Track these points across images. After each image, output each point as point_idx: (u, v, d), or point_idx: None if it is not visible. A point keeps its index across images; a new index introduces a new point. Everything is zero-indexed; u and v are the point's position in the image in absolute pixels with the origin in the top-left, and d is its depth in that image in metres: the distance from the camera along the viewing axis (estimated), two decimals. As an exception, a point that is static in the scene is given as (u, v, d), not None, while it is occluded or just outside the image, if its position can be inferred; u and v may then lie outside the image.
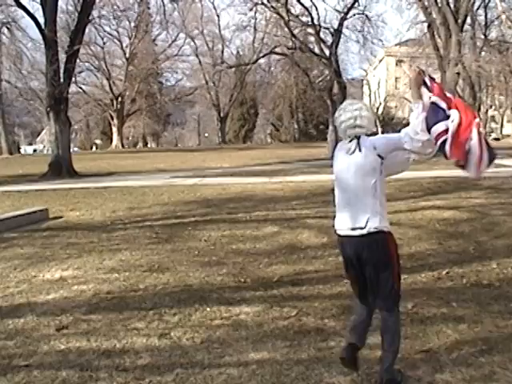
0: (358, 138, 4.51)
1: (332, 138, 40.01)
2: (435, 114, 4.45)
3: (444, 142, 4.37)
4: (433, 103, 4.50)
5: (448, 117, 4.41)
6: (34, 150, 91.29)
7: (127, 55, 68.65)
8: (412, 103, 4.61)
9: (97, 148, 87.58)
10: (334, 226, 4.68)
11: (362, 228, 4.42)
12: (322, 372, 4.65)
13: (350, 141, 4.53)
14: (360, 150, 4.46)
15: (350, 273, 4.67)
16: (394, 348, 4.47)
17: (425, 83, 4.62)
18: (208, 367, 4.82)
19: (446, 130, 4.37)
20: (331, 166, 4.74)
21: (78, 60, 34.27)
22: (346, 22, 41.86)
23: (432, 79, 4.70)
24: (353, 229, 4.45)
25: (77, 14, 31.92)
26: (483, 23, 47.20)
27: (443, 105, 4.50)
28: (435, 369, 4.65)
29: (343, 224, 4.54)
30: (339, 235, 4.61)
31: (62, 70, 28.76)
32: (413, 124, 4.46)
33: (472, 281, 7.22)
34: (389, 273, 4.56)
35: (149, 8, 67.90)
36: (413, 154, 4.64)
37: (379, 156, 4.45)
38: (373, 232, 4.43)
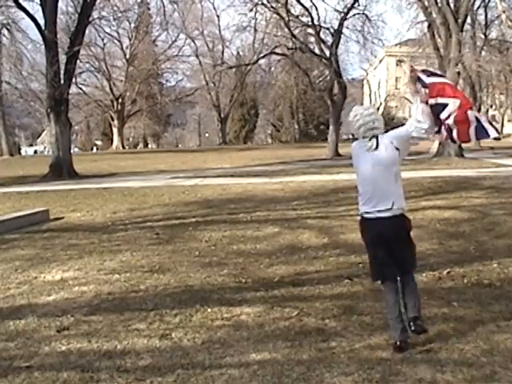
0: (376, 137, 5.39)
1: (333, 139, 40.09)
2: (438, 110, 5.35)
3: (449, 130, 5.40)
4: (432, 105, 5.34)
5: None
6: (35, 152, 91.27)
7: (127, 56, 68.66)
8: (411, 97, 5.49)
9: (97, 149, 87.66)
10: (359, 212, 5.49)
11: (389, 209, 5.28)
12: (323, 372, 4.64)
13: (370, 139, 5.38)
14: (378, 147, 5.34)
15: (379, 252, 5.40)
16: (419, 300, 5.45)
17: (419, 79, 5.50)
18: (209, 368, 4.81)
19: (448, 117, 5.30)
20: (351, 165, 5.66)
21: (78, 61, 34.24)
22: (346, 22, 41.83)
23: (429, 73, 5.58)
24: (380, 211, 5.29)
25: (77, 15, 31.91)
26: (483, 23, 47.07)
27: (442, 100, 5.35)
28: (436, 368, 4.65)
29: (372, 208, 5.33)
30: (368, 218, 5.39)
31: (62, 71, 28.78)
32: (414, 115, 5.49)
33: (473, 281, 7.22)
34: (410, 243, 5.49)
35: (149, 9, 68.03)
36: (416, 139, 5.60)
37: (396, 148, 5.38)
38: (398, 213, 5.36)
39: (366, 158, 5.40)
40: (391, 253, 5.34)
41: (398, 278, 5.36)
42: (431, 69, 5.64)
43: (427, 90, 5.43)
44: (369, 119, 5.41)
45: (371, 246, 5.51)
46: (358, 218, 5.64)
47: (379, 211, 5.29)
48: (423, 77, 5.52)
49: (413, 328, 5.16)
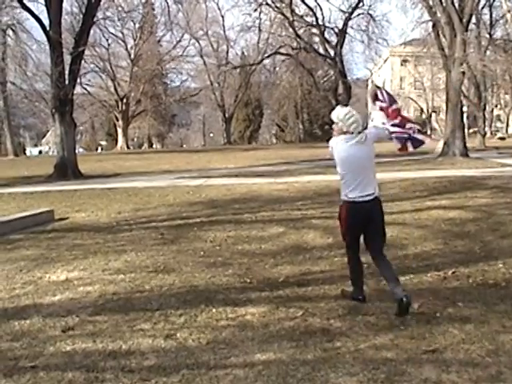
0: (362, 132, 6.36)
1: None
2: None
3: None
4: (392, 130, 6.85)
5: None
6: (40, 152, 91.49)
7: (132, 56, 68.72)
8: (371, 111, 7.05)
9: (102, 149, 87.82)
10: (346, 198, 6.36)
11: (372, 194, 6.32)
12: (328, 372, 4.64)
13: (358, 134, 6.29)
14: (366, 140, 6.33)
15: (356, 232, 6.48)
16: (396, 275, 6.41)
17: (376, 96, 6.98)
18: (214, 368, 4.81)
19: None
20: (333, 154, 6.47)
21: (82, 61, 34.35)
22: (350, 22, 42.00)
23: (387, 96, 7.00)
24: (368, 195, 6.29)
25: (81, 16, 31.90)
26: (488, 22, 47.02)
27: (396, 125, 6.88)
28: (441, 369, 4.64)
29: (360, 193, 6.28)
30: (355, 202, 6.30)
31: (66, 72, 28.81)
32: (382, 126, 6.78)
33: (478, 281, 7.21)
34: (383, 225, 6.48)
35: (153, 9, 68.06)
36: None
37: (373, 143, 6.51)
38: (377, 196, 6.41)
39: (355, 150, 6.29)
40: (367, 230, 6.44)
41: (372, 256, 6.58)
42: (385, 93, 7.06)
43: (383, 105, 6.91)
44: (357, 117, 6.34)
45: (353, 226, 6.46)
46: (342, 203, 6.48)
47: (367, 195, 6.29)
48: (381, 97, 6.97)
49: (405, 300, 5.95)
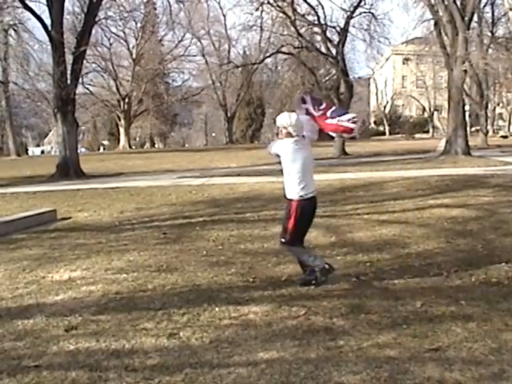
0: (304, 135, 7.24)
1: (338, 138, 40.01)
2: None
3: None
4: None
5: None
6: (42, 152, 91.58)
7: (134, 56, 68.76)
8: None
9: (104, 149, 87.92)
10: (302, 195, 7.04)
11: (315, 191, 7.26)
12: (331, 371, 4.64)
13: (303, 137, 7.15)
14: (307, 142, 7.30)
15: (306, 226, 7.34)
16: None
17: (303, 101, 7.58)
18: (217, 367, 4.81)
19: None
20: (281, 155, 7.11)
21: (84, 61, 34.32)
22: (352, 21, 41.78)
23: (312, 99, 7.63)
24: (313, 192, 7.18)
25: (83, 16, 31.92)
26: (490, 20, 47.00)
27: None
28: (444, 367, 4.64)
29: (310, 190, 7.12)
30: (309, 199, 7.11)
31: (68, 72, 28.85)
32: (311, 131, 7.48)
33: (481, 279, 7.21)
34: None
35: (155, 9, 68.08)
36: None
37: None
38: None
39: (304, 151, 7.12)
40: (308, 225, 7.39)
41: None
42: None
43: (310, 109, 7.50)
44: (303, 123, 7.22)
45: (304, 220, 7.20)
46: (295, 201, 7.04)
47: (313, 191, 7.18)
48: (309, 104, 7.53)
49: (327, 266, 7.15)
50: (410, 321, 5.71)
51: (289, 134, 7.05)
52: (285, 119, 7.09)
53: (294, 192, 7.07)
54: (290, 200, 7.13)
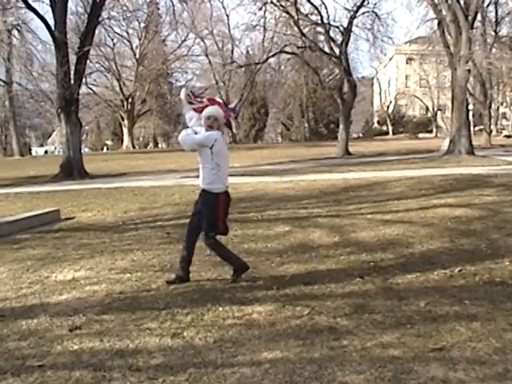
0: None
1: (343, 137, 40.07)
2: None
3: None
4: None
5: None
6: (45, 152, 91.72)
7: (137, 56, 68.85)
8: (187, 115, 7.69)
9: (107, 149, 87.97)
10: (221, 188, 7.15)
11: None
12: (335, 371, 4.63)
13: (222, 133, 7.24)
14: None
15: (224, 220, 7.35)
16: None
17: (190, 97, 7.67)
18: (221, 367, 4.81)
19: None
20: (211, 147, 7.02)
21: (88, 61, 34.38)
22: (355, 21, 41.76)
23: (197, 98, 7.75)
24: (228, 186, 7.32)
25: (86, 16, 31.97)
26: (494, 20, 46.92)
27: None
28: (448, 367, 4.63)
29: (226, 185, 7.26)
30: (225, 192, 7.22)
31: (72, 72, 28.89)
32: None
33: (485, 279, 7.20)
34: None
35: (158, 9, 68.15)
36: None
37: None
38: None
39: (225, 145, 7.27)
40: None
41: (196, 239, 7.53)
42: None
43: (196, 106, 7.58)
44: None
45: (223, 215, 7.26)
46: (222, 194, 7.17)
47: (227, 186, 7.29)
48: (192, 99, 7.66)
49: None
50: (414, 320, 5.70)
51: (218, 126, 7.16)
52: (216, 109, 7.22)
53: (212, 185, 7.13)
54: (211, 193, 7.15)
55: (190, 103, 7.65)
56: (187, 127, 7.53)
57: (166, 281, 7.51)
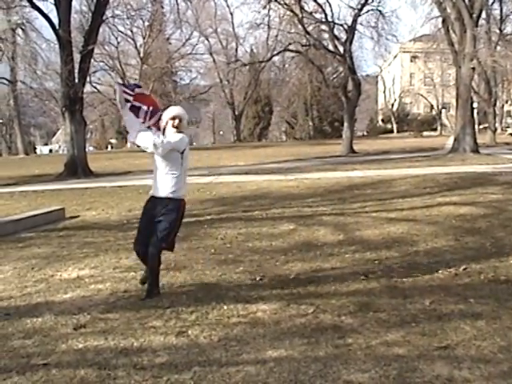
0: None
1: (347, 135, 40.04)
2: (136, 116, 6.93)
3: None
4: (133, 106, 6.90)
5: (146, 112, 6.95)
6: (50, 150, 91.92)
7: (141, 54, 68.80)
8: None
9: (112, 147, 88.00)
10: (183, 196, 6.82)
11: None
12: (339, 369, 4.63)
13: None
14: None
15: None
16: None
17: (126, 92, 6.86)
18: (225, 365, 4.81)
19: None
20: (183, 151, 6.66)
21: (92, 60, 34.41)
22: (359, 19, 41.73)
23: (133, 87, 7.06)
24: None
25: (91, 14, 32.05)
26: (498, 17, 46.86)
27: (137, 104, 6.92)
28: (453, 365, 4.62)
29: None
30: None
31: (76, 70, 28.92)
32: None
33: (489, 277, 7.19)
34: None
35: (162, 7, 68.02)
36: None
37: None
38: None
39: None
40: None
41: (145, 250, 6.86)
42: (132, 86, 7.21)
43: (130, 98, 6.86)
44: None
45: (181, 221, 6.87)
46: (183, 201, 6.84)
47: None
48: (127, 90, 6.93)
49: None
50: (419, 319, 5.70)
51: (182, 127, 6.69)
52: (182, 110, 6.80)
53: (182, 190, 6.77)
54: (178, 200, 6.75)
55: (127, 101, 6.90)
56: (127, 132, 7.10)
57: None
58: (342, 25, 42.15)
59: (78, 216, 14.13)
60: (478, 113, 56.38)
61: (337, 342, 5.21)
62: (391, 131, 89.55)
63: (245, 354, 5.04)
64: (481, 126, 67.14)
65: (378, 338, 5.23)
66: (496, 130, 56.57)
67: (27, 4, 31.11)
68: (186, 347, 5.24)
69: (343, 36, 42.14)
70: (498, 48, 43.15)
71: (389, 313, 5.90)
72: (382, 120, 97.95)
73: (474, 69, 33.47)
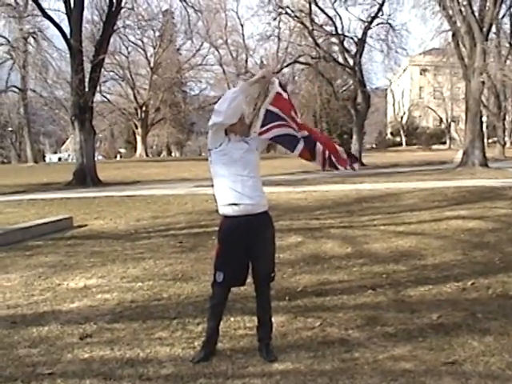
0: None
1: (356, 148, 40.10)
2: (270, 117, 5.77)
3: (296, 144, 5.89)
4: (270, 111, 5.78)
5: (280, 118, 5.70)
6: (59, 159, 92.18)
7: (151, 64, 69.15)
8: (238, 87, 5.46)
9: (121, 157, 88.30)
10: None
11: None
12: (346, 383, 4.61)
13: None
14: None
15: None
16: None
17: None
18: (231, 377, 4.79)
19: (276, 126, 5.76)
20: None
21: (102, 69, 34.60)
22: (369, 32, 41.90)
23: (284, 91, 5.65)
24: None
25: (102, 24, 32.25)
26: (509, 31, 46.81)
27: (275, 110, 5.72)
28: (461, 381, 4.59)
29: None
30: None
31: (86, 80, 29.10)
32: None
33: (498, 292, 7.15)
34: None
35: (173, 18, 68.32)
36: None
37: None
38: None
39: None
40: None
41: None
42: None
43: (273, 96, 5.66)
44: None
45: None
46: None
47: None
48: (277, 86, 5.62)
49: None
50: (426, 333, 5.67)
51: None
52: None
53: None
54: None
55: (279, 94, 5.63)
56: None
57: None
58: (352, 37, 42.36)
59: (85, 225, 14.15)
60: (487, 127, 56.29)
61: (343, 355, 5.18)
62: (400, 144, 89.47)
63: (251, 366, 5.02)
64: (490, 140, 66.99)
65: (385, 353, 5.20)
66: (505, 143, 56.54)
67: (39, 13, 31.32)
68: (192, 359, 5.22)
69: (353, 49, 42.32)
70: (508, 62, 43.17)
71: (396, 327, 5.88)
72: (391, 133, 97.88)
73: (483, 83, 33.46)
